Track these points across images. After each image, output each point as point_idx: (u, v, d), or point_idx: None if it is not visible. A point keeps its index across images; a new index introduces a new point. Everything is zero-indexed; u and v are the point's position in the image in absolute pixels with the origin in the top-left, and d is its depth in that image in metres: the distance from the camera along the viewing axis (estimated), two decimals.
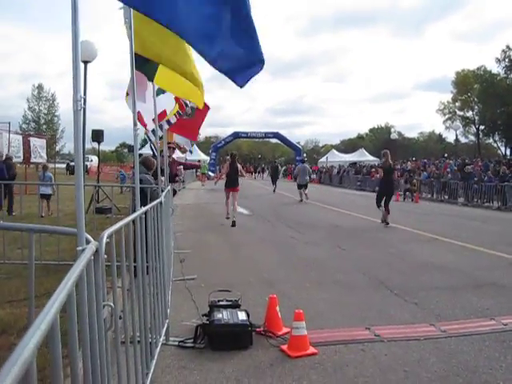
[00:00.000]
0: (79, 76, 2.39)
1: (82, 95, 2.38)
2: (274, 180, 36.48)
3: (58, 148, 63.09)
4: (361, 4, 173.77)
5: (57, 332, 1.54)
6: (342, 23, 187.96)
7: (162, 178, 8.32)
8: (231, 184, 15.84)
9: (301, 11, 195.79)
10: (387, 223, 15.60)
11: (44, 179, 17.34)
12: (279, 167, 44.72)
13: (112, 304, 2.54)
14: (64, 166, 55.43)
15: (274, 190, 34.44)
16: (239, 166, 16.23)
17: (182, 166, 13.96)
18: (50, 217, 15.26)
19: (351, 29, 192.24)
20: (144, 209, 4.03)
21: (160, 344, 4.68)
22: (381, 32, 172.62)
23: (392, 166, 17.01)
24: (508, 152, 71.05)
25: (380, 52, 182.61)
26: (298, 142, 79.50)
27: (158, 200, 5.16)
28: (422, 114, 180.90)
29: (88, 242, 2.40)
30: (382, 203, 15.99)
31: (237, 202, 15.94)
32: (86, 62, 15.67)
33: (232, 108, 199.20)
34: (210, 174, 52.37)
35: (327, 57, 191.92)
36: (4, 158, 18.36)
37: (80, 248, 2.30)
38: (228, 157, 17.23)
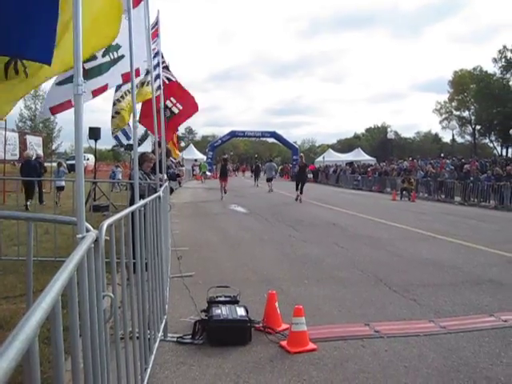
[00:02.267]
0: (80, 60, 2.36)
1: (83, 80, 2.34)
2: (257, 177, 44.13)
3: (54, 147, 62.81)
4: (360, 6, 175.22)
5: (58, 314, 1.50)
6: (341, 25, 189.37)
7: (164, 176, 8.30)
8: (222, 176, 27.14)
9: (301, 12, 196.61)
10: (300, 201, 24.30)
11: (58, 174, 20.52)
12: (260, 166, 50.59)
13: (112, 294, 2.51)
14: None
15: (257, 185, 41.07)
16: (230, 167, 28.27)
17: (184, 168, 14.60)
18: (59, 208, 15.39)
19: (350, 30, 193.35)
20: (143, 201, 4.00)
21: (158, 340, 4.65)
22: (379, 34, 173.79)
23: (306, 165, 28.33)
24: (504, 152, 71.25)
25: (378, 53, 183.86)
26: (295, 142, 79.56)
27: (156, 194, 5.12)
28: (419, 115, 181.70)
29: (88, 230, 2.36)
30: (299, 187, 24.70)
31: (226, 187, 26.85)
32: None
33: (230, 108, 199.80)
34: (208, 173, 52.82)
35: (325, 58, 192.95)
36: (35, 157, 21.20)
37: (80, 236, 2.27)
38: (224, 156, 27.91)
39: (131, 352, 3.38)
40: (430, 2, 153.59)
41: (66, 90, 6.44)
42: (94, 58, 6.18)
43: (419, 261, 9.53)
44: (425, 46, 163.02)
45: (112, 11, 3.81)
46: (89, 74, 6.53)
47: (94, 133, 18.23)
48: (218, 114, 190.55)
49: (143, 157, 8.53)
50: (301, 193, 24.80)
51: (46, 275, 6.31)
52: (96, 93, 7.32)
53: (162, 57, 11.23)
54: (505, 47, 68.94)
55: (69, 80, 6.31)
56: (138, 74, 6.74)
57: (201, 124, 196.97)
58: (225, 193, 26.33)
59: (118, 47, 6.09)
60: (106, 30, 3.81)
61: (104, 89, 6.94)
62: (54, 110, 6.63)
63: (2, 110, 4.05)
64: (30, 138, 26.68)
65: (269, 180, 34.40)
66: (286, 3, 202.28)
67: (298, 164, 28.81)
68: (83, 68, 6.02)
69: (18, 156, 24.24)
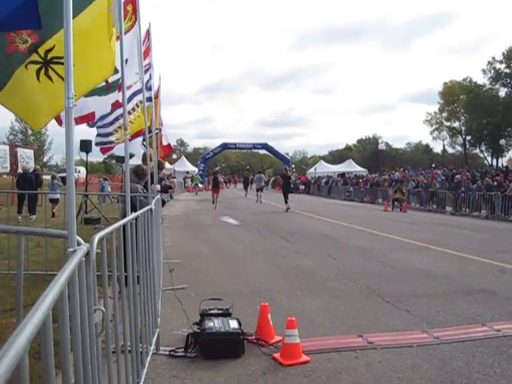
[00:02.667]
0: (71, 73, 2.35)
1: (74, 93, 2.34)
2: (246, 188, 48.70)
3: (45, 159, 62.55)
4: (350, 19, 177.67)
5: (49, 329, 1.48)
6: (332, 37, 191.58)
7: (158, 186, 8.28)
8: (214, 188, 30.14)
9: (292, 26, 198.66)
10: (287, 210, 25.31)
11: (53, 187, 20.15)
12: (249, 178, 55.61)
13: (103, 308, 2.49)
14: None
15: (246, 195, 44.98)
16: (221, 180, 31.18)
17: (175, 179, 14.61)
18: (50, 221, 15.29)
19: (340, 43, 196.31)
20: (134, 214, 3.98)
21: (151, 353, 4.62)
22: (369, 46, 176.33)
23: (289, 176, 28.87)
24: (494, 162, 71.75)
25: (368, 65, 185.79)
26: (287, 153, 79.78)
27: (147, 207, 5.10)
28: (410, 126, 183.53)
29: (79, 244, 2.35)
30: (285, 197, 25.78)
31: (219, 198, 28.98)
32: None
33: (222, 120, 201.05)
34: (200, 185, 53.08)
35: (316, 70, 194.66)
36: (32, 169, 21.56)
37: (71, 249, 2.25)
38: (215, 169, 31.82)
39: (123, 366, 3.35)
40: (419, 14, 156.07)
41: (91, 102, 6.56)
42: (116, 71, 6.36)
43: (412, 271, 9.53)
44: (415, 58, 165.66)
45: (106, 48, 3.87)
46: (112, 88, 6.69)
47: (86, 145, 18.16)
48: (210, 126, 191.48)
49: (140, 169, 8.45)
50: (286, 202, 25.94)
51: (37, 289, 6.27)
52: (114, 106, 7.47)
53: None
54: (494, 58, 69.68)
55: (95, 92, 6.41)
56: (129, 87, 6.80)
57: (192, 136, 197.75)
58: (215, 203, 27.95)
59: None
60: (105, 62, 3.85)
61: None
62: (76, 121, 6.81)
63: (39, 122, 4.06)
64: (21, 151, 26.58)
65: (258, 190, 35.76)
66: (277, 16, 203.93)
67: (280, 175, 31.02)
68: (106, 81, 6.06)
69: (8, 169, 24.14)
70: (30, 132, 64.84)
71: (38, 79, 3.66)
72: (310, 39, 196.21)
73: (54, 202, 19.37)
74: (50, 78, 3.69)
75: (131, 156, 11.15)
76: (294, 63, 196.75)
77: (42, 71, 3.66)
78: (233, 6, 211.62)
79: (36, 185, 20.05)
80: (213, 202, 28.25)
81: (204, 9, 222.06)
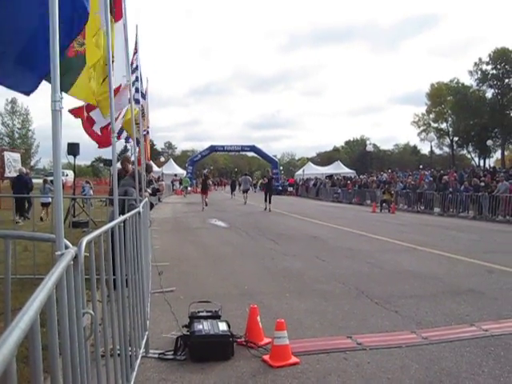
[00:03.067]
0: (57, 76, 2.34)
1: (60, 95, 2.33)
2: (233, 190, 49.77)
3: (32, 163, 62.16)
4: (338, 21, 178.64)
5: (37, 333, 1.48)
6: (320, 39, 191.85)
7: (149, 190, 8.25)
8: (203, 190, 30.77)
9: (280, 28, 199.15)
10: (269, 210, 27.24)
11: (44, 190, 21.01)
12: (236, 180, 59.09)
13: (92, 312, 2.48)
14: (41, 181, 54.44)
15: (232, 197, 46.38)
16: (210, 182, 32.15)
17: (164, 182, 14.72)
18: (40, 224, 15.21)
19: (329, 45, 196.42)
20: (123, 217, 3.97)
21: (140, 356, 4.60)
22: (357, 48, 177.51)
23: (272, 177, 32.55)
24: (482, 162, 72.30)
25: (356, 67, 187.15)
26: (275, 155, 79.69)
27: (136, 210, 5.08)
28: (397, 127, 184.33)
29: (67, 247, 2.33)
30: (267, 198, 27.91)
31: (207, 200, 30.36)
32: None
33: (210, 122, 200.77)
34: (188, 188, 53.11)
35: (304, 72, 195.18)
36: (26, 172, 21.80)
37: (59, 253, 2.24)
38: (204, 171, 33.43)
39: (112, 369, 3.33)
40: (408, 16, 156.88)
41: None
42: None
43: (400, 272, 9.57)
44: (403, 60, 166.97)
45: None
46: None
47: (73, 148, 18.08)
48: (198, 128, 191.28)
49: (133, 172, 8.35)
50: (269, 203, 28.12)
51: (25, 293, 6.22)
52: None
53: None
54: (480, 60, 70.24)
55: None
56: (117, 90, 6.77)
57: (181, 139, 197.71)
58: (206, 205, 29.54)
59: None
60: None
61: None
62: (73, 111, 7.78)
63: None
64: (7, 155, 26.40)
65: (244, 191, 38.19)
66: (266, 19, 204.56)
67: (265, 177, 31.75)
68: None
69: None
70: (16, 135, 64.39)
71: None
72: (299, 41, 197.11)
73: (46, 205, 19.56)
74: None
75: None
76: (282, 65, 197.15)
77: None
78: (222, 7, 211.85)
79: (32, 187, 20.34)
80: (203, 204, 29.52)
81: (193, 10, 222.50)
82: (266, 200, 28.32)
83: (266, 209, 27.91)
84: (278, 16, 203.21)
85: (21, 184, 19.28)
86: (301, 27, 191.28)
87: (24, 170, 22.07)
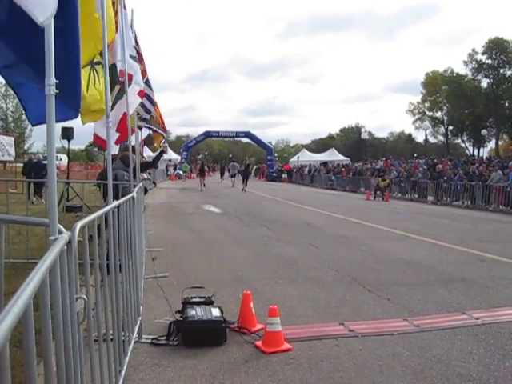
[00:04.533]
0: (51, 59, 2.32)
1: (55, 80, 2.31)
2: (222, 175, 55.06)
3: (26, 147, 61.78)
4: (336, 9, 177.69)
5: (30, 317, 1.48)
6: (318, 27, 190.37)
7: (144, 175, 8.21)
8: (201, 173, 36.72)
9: (278, 15, 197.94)
10: (245, 191, 32.38)
11: None
12: (225, 167, 61.80)
13: (85, 296, 2.48)
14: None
15: (221, 181, 50.07)
16: (206, 168, 40.96)
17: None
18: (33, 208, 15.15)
19: (326, 33, 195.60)
20: (117, 202, 3.96)
21: (133, 341, 4.61)
22: (354, 36, 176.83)
23: (249, 164, 43.42)
24: (476, 152, 72.46)
25: (353, 55, 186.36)
26: (270, 142, 79.55)
27: (130, 195, 5.07)
28: (393, 115, 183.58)
29: (60, 232, 2.32)
30: (245, 180, 35.02)
31: (205, 182, 35.75)
32: None
33: (206, 108, 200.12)
34: (181, 173, 52.88)
35: (301, 59, 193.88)
36: (41, 158, 22.71)
37: (52, 238, 2.23)
38: (199, 158, 43.45)
39: (105, 354, 3.34)
40: (406, 5, 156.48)
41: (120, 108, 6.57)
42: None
43: (393, 260, 9.61)
44: (399, 49, 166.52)
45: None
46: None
47: (67, 133, 18.01)
48: (194, 114, 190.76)
49: (126, 157, 8.23)
50: (246, 185, 34.65)
51: (18, 277, 6.20)
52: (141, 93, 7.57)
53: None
54: (474, 50, 70.20)
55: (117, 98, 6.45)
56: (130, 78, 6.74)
57: (176, 124, 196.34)
58: (204, 186, 34.88)
59: None
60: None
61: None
62: (96, 140, 7.33)
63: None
64: (1, 138, 26.25)
65: (232, 176, 43.07)
66: (263, 5, 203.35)
67: (243, 163, 40.11)
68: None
69: None
70: (10, 119, 63.86)
71: (88, 81, 4.12)
72: (297, 28, 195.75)
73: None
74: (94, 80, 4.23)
75: None
76: (279, 52, 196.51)
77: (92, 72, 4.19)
78: None
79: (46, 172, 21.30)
80: (201, 186, 34.57)
81: None
82: (243, 182, 35.30)
83: (243, 189, 33.49)
84: (276, 3, 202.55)
85: (39, 168, 20.43)
86: (299, 15, 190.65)
87: (41, 156, 23.64)
